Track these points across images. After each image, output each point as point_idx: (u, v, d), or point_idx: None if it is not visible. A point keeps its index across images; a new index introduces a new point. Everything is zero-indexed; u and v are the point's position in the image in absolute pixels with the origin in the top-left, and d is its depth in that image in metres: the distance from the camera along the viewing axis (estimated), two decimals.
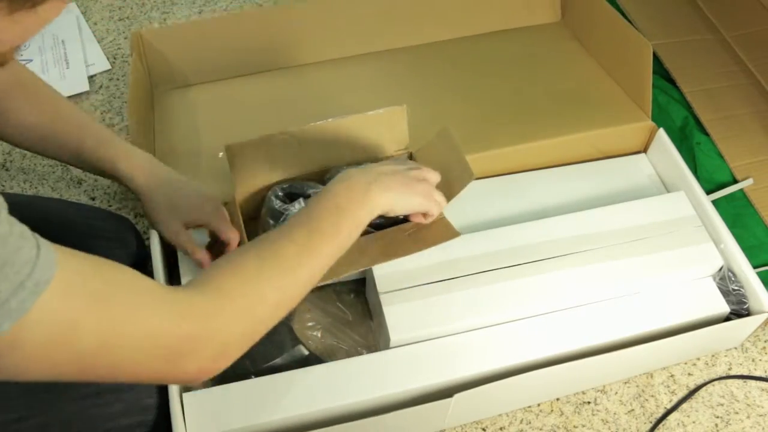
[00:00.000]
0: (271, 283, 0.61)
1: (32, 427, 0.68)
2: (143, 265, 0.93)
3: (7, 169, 1.15)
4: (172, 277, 0.89)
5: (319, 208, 0.68)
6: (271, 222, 0.84)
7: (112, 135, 0.82)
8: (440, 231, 0.85)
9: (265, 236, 0.65)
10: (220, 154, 0.85)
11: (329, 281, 0.90)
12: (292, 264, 0.63)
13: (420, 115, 0.90)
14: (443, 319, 0.83)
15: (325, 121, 0.86)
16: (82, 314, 0.47)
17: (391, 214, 0.76)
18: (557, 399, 0.92)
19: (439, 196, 0.82)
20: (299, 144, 0.87)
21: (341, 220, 0.68)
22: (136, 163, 0.81)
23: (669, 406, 0.92)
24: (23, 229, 0.46)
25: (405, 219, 0.85)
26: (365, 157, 0.92)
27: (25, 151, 1.17)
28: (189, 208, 0.82)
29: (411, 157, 0.93)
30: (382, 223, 0.85)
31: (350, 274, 0.83)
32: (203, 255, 0.82)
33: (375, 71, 1.16)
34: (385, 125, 0.89)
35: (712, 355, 0.97)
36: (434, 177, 0.82)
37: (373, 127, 0.89)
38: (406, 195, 0.76)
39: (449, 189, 0.85)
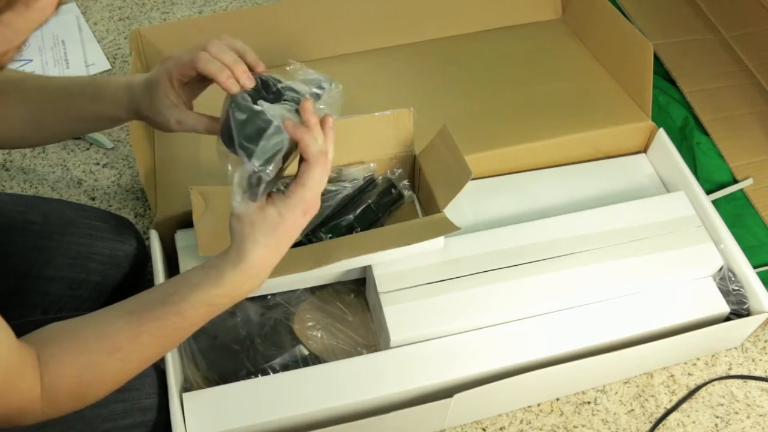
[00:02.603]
0: (118, 373, 0.61)
1: (31, 428, 0.68)
2: (143, 265, 0.93)
3: (7, 170, 1.15)
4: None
5: (180, 299, 0.62)
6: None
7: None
8: (439, 225, 0.86)
9: (116, 313, 0.61)
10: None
11: (329, 281, 0.90)
12: (142, 355, 0.62)
13: (419, 113, 0.91)
14: (443, 319, 0.83)
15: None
16: None
17: None
18: (557, 399, 0.92)
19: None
20: None
21: (211, 312, 0.64)
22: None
23: (669, 406, 0.92)
24: None
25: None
26: (370, 156, 0.92)
27: (25, 152, 1.17)
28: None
29: (415, 160, 0.93)
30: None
31: (350, 264, 0.83)
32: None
33: (374, 68, 1.16)
34: (392, 127, 0.90)
35: (712, 355, 0.97)
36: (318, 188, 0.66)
37: (379, 128, 0.89)
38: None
39: (449, 189, 0.85)
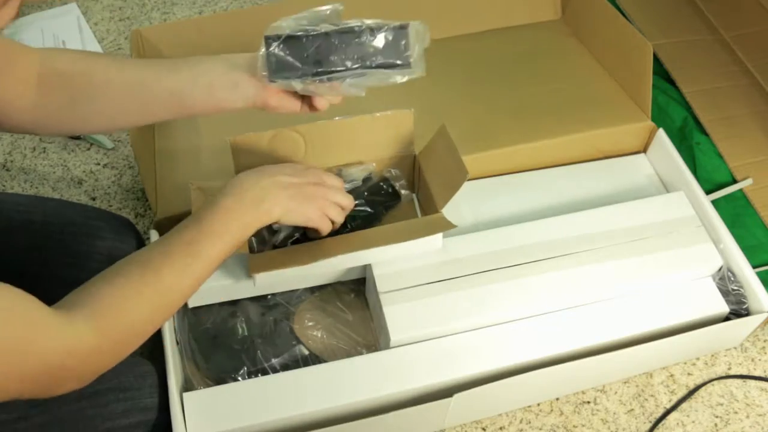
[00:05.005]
0: (152, 304, 0.63)
1: (32, 426, 0.68)
2: None
3: (7, 170, 1.15)
4: None
5: (208, 214, 0.69)
6: None
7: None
8: (436, 223, 0.86)
9: (152, 248, 0.66)
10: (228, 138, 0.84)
11: (329, 281, 0.90)
12: (175, 278, 0.65)
13: (419, 113, 0.91)
14: (443, 319, 0.83)
15: (332, 119, 0.86)
16: None
17: (279, 224, 0.77)
18: (557, 399, 0.92)
19: (336, 214, 0.79)
20: (305, 141, 0.87)
21: (230, 224, 0.69)
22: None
23: (668, 406, 0.92)
24: None
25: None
26: (370, 157, 0.92)
27: (26, 152, 1.17)
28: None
29: (415, 160, 0.93)
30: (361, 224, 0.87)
31: (348, 261, 0.84)
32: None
33: None
34: (392, 127, 0.90)
35: (712, 355, 0.97)
36: (334, 193, 0.80)
37: (379, 128, 0.89)
38: (297, 211, 0.76)
39: (446, 189, 0.85)
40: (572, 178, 1.03)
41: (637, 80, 1.07)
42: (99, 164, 1.16)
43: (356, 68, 0.69)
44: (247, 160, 0.86)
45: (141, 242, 0.92)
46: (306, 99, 0.75)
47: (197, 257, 0.66)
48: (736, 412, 0.92)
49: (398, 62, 0.70)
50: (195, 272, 0.66)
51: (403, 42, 0.71)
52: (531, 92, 1.12)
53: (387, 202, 0.93)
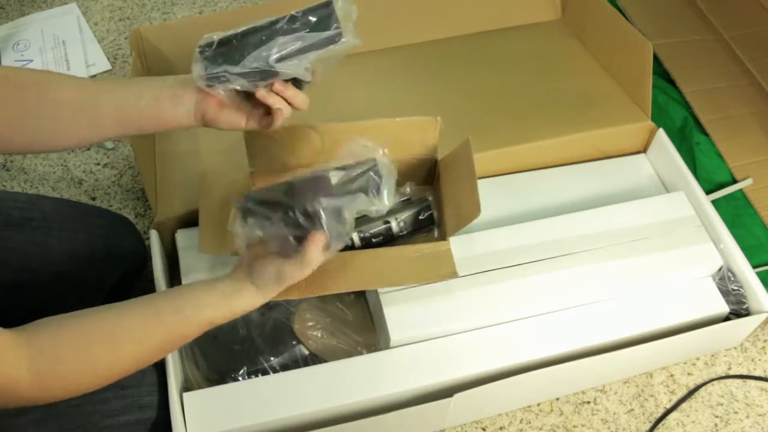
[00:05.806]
0: (102, 372, 0.62)
1: (30, 422, 0.68)
2: (143, 264, 0.93)
3: (7, 170, 1.15)
4: (173, 277, 0.89)
5: (192, 313, 0.69)
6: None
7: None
8: (440, 267, 0.83)
9: (125, 309, 0.65)
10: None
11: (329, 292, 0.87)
12: (135, 348, 0.64)
13: (419, 114, 0.90)
14: (443, 319, 0.83)
15: (354, 122, 0.85)
16: None
17: None
18: (557, 399, 0.92)
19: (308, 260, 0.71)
20: (321, 139, 0.86)
21: (200, 328, 0.70)
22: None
23: (668, 406, 0.92)
24: None
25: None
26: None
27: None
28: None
29: (436, 164, 0.92)
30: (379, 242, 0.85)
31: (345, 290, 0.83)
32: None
33: (374, 70, 1.16)
34: (415, 133, 0.88)
35: (712, 355, 0.97)
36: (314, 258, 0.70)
37: (401, 133, 0.88)
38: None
39: (458, 219, 0.84)
40: (572, 178, 1.03)
41: (637, 80, 1.07)
42: (99, 164, 1.16)
43: (290, 48, 0.71)
44: (260, 150, 0.85)
45: (141, 242, 0.93)
46: (255, 112, 0.74)
47: (166, 326, 0.66)
48: (736, 412, 0.92)
49: (330, 33, 0.73)
50: (155, 344, 0.65)
51: (330, 16, 0.73)
52: (531, 92, 1.12)
53: (419, 230, 0.90)
